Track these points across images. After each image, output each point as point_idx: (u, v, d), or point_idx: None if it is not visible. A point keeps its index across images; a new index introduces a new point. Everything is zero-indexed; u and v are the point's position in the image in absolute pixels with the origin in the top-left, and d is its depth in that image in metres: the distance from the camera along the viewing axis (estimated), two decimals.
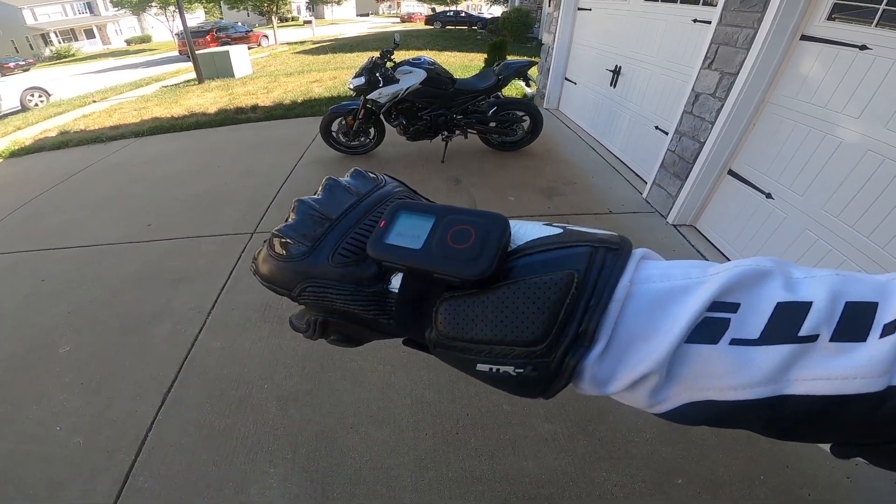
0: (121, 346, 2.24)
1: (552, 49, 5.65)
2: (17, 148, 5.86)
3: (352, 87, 3.86)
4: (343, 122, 4.15)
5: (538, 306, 0.22)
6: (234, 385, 1.98)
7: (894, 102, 1.85)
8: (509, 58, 6.23)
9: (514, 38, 14.83)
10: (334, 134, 4.22)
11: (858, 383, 0.19)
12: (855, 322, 0.20)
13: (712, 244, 2.90)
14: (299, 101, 6.82)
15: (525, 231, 0.26)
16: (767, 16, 2.27)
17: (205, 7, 29.54)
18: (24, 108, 9.61)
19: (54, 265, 2.99)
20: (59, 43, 34.26)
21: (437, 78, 3.84)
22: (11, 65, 26.27)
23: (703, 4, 3.10)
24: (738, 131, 2.59)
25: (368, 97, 3.81)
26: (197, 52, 10.02)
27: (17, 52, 33.69)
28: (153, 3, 29.97)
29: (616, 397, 0.24)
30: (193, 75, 10.14)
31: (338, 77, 8.92)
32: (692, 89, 2.85)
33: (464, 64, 9.90)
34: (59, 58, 31.43)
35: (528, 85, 4.24)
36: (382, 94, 3.76)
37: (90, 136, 5.86)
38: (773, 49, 2.31)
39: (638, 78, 3.91)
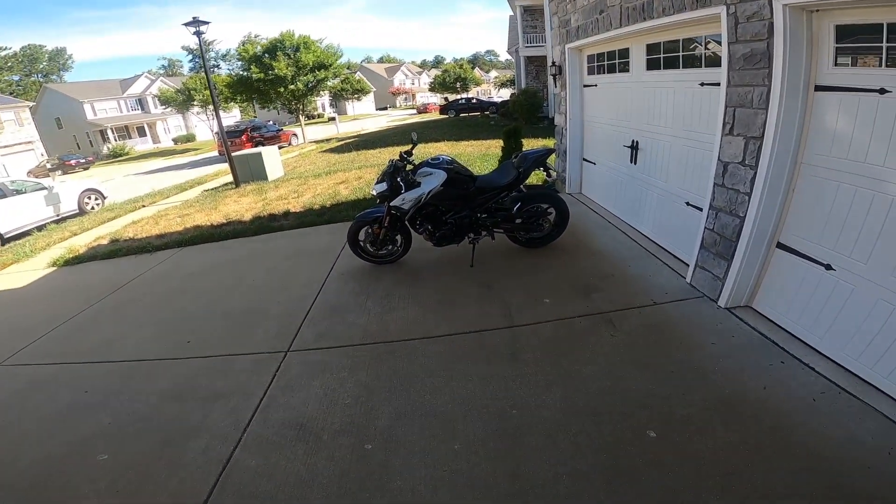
0: (157, 458, 2.25)
1: (566, 130, 5.60)
2: (70, 256, 6.28)
3: (375, 193, 3.84)
4: (370, 231, 4.08)
5: None
6: (269, 502, 1.92)
7: None
8: (525, 144, 6.32)
9: (526, 120, 15.44)
10: (361, 243, 4.16)
11: None
12: None
13: (776, 324, 2.60)
14: (328, 205, 7.11)
15: None
16: (775, 70, 2.17)
17: (240, 106, 32.36)
18: (81, 212, 9.96)
19: (97, 377, 3.09)
20: (115, 140, 35.66)
21: (458, 177, 3.79)
22: (73, 162, 25.92)
23: (706, 66, 2.99)
24: (778, 200, 2.43)
25: (392, 204, 3.74)
26: (233, 152, 10.89)
27: (79, 148, 34.68)
28: (195, 103, 32.83)
29: None
30: (230, 178, 10.94)
31: (363, 177, 9.26)
32: (718, 159, 2.72)
33: (481, 153, 10.01)
34: (115, 156, 32.49)
35: (548, 175, 4.20)
36: (405, 199, 3.69)
37: (138, 246, 6.25)
38: (792, 104, 2.19)
39: (658, 151, 3.80)
